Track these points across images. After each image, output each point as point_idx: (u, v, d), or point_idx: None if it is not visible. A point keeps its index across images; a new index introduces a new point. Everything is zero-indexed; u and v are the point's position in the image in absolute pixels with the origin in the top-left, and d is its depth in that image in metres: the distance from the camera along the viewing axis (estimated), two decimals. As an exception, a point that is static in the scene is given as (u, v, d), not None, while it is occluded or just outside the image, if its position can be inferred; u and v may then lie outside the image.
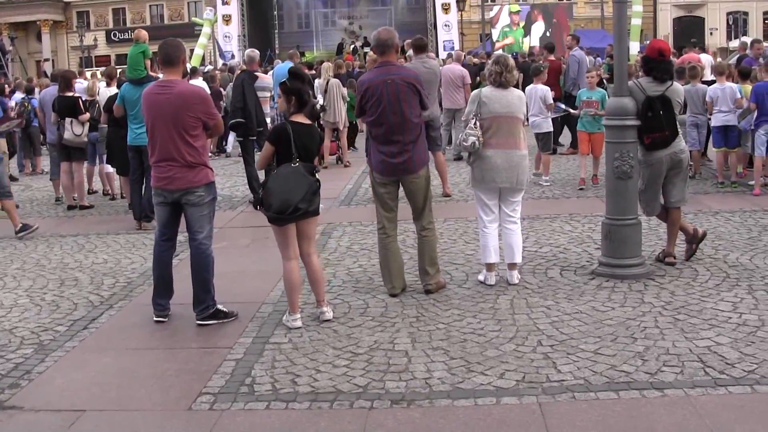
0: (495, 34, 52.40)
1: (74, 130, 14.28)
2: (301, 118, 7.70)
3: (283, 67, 19.74)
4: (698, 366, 6.35)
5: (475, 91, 8.84)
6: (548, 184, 14.76)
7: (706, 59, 22.69)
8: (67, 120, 14.28)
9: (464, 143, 8.55)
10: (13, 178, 15.31)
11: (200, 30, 43.64)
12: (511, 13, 54.43)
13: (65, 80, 14.94)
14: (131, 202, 13.10)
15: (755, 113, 13.31)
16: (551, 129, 15.38)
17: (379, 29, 8.75)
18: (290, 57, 22.13)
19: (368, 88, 8.39)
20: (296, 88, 7.72)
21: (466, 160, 8.95)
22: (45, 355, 7.30)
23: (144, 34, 14.23)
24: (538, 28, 53.33)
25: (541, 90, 14.98)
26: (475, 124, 8.51)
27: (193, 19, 57.86)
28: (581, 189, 14.18)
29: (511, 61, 8.78)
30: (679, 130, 9.10)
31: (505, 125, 8.55)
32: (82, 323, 8.17)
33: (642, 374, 6.24)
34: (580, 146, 14.82)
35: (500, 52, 10.08)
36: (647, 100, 8.81)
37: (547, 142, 15.23)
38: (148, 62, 13.15)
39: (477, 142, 8.46)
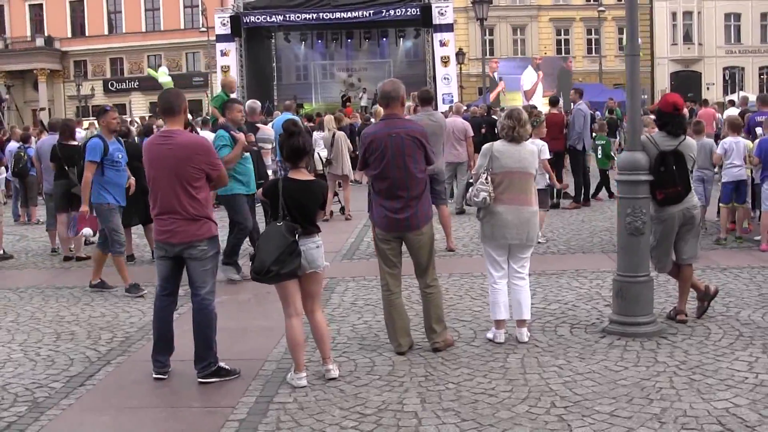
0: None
1: None
2: (298, 174, 7.51)
3: (282, 118, 19.65)
4: (718, 429, 6.13)
5: (487, 145, 8.66)
6: (543, 241, 14.45)
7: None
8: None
9: (475, 198, 8.36)
10: (6, 256, 15.08)
11: (199, 81, 43.86)
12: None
13: (69, 129, 14.83)
14: None
15: (760, 168, 13.23)
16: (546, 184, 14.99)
17: (385, 81, 8.59)
18: (287, 108, 22.02)
19: (372, 141, 8.22)
20: (281, 144, 7.59)
21: (476, 215, 8.77)
22: (40, 413, 7.04)
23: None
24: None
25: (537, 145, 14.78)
26: (486, 179, 8.34)
27: (148, 71, 57.66)
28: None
29: (524, 115, 8.60)
30: (692, 185, 8.95)
31: (517, 181, 8.39)
32: (79, 380, 7.91)
33: (661, 438, 6.03)
34: None
35: (515, 105, 10.03)
36: (660, 154, 8.67)
37: (543, 199, 14.88)
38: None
39: (488, 198, 8.29)
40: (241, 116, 12.42)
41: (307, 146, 7.61)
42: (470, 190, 8.53)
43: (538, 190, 14.46)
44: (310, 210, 7.46)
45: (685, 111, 12.27)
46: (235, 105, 12.55)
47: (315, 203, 7.52)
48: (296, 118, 19.27)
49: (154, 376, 7.82)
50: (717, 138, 16.83)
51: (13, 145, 21.28)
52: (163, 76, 39.86)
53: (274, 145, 17.95)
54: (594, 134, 21.25)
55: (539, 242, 14.26)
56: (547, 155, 14.44)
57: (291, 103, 23.21)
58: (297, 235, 7.21)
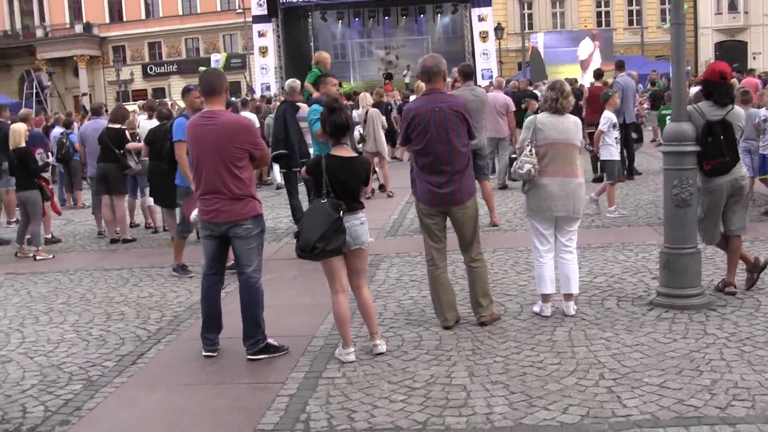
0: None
1: (136, 159, 14.38)
2: (341, 151, 7.52)
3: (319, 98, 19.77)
4: (771, 400, 6.08)
5: (530, 117, 8.61)
6: (617, 214, 14.31)
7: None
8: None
9: (519, 171, 8.30)
10: (54, 240, 15.31)
11: (237, 63, 44.08)
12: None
13: (120, 114, 14.96)
14: None
15: None
16: (615, 157, 14.58)
17: (425, 56, 8.55)
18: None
19: (415, 116, 8.20)
20: (323, 120, 7.60)
21: (521, 189, 8.71)
22: (94, 391, 7.16)
23: None
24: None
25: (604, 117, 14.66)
26: (530, 151, 8.28)
27: (200, 69, 56.98)
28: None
29: (567, 87, 8.54)
30: (740, 155, 8.84)
31: (562, 152, 8.32)
32: (130, 358, 8.03)
33: (711, 409, 5.97)
34: None
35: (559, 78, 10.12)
36: (707, 124, 8.55)
37: (612, 171, 14.68)
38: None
39: (533, 170, 8.23)
40: (336, 90, 12.18)
41: (350, 123, 7.61)
42: (515, 163, 8.48)
43: (605, 161, 14.41)
44: (353, 187, 7.47)
45: (734, 80, 11.87)
46: (330, 79, 12.48)
47: (358, 180, 7.51)
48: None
49: (204, 353, 7.90)
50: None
51: (56, 131, 21.50)
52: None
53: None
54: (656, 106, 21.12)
55: (621, 214, 14.13)
56: (604, 128, 14.32)
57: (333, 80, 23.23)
58: (342, 212, 7.22)
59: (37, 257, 13.42)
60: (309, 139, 15.35)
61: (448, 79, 16.47)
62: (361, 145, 18.38)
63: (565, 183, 8.31)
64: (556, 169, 8.30)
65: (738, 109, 8.91)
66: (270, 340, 7.79)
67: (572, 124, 8.46)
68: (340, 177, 7.37)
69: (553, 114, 8.41)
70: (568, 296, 8.52)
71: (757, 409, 5.93)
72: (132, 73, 71.14)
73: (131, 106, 31.84)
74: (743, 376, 6.57)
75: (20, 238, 13.92)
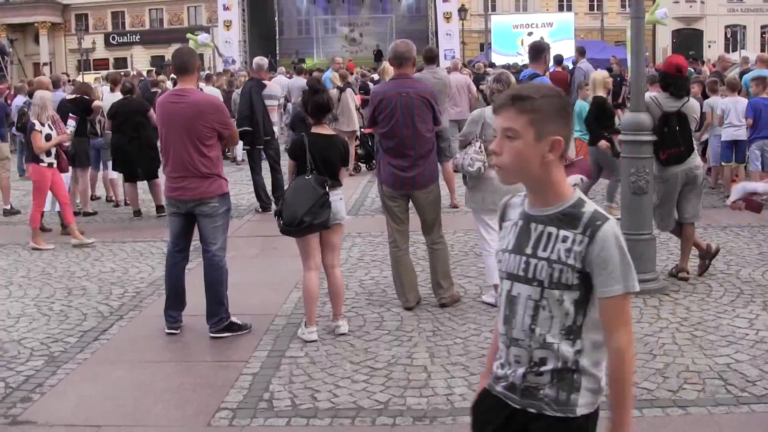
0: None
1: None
2: (322, 129, 7.68)
3: (327, 74, 19.94)
4: (719, 384, 6.30)
5: (477, 111, 8.57)
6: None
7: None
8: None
9: (469, 168, 8.21)
10: (13, 211, 15.14)
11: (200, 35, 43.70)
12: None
13: (84, 91, 14.88)
14: None
15: (750, 128, 13.32)
16: None
17: (397, 41, 8.70)
18: (335, 64, 22.21)
19: (382, 99, 8.34)
20: (306, 101, 7.72)
21: (463, 181, 8.70)
22: (56, 367, 7.18)
23: None
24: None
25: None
26: (480, 147, 8.22)
27: (188, 35, 56.53)
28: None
29: (512, 79, 8.52)
30: (694, 146, 9.06)
31: None
32: (93, 334, 8.06)
33: (664, 392, 6.19)
34: None
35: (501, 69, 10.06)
36: (664, 115, 8.78)
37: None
38: None
39: (483, 168, 8.15)
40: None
41: (331, 103, 7.82)
42: (462, 157, 8.38)
43: None
44: (334, 163, 7.63)
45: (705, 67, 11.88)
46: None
47: (338, 156, 7.68)
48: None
49: (167, 331, 7.96)
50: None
51: (19, 100, 21.26)
52: (201, 48, 39.80)
53: (281, 102, 18.08)
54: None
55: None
56: None
57: (333, 59, 23.33)
58: (327, 187, 7.40)
59: None
60: (274, 117, 15.48)
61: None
62: (333, 124, 18.42)
63: None
64: None
65: (693, 101, 9.15)
66: (233, 318, 7.89)
67: None
68: (322, 153, 7.53)
69: None
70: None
71: (707, 393, 6.16)
72: (94, 42, 70.14)
73: (93, 76, 31.56)
74: (694, 359, 6.80)
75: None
